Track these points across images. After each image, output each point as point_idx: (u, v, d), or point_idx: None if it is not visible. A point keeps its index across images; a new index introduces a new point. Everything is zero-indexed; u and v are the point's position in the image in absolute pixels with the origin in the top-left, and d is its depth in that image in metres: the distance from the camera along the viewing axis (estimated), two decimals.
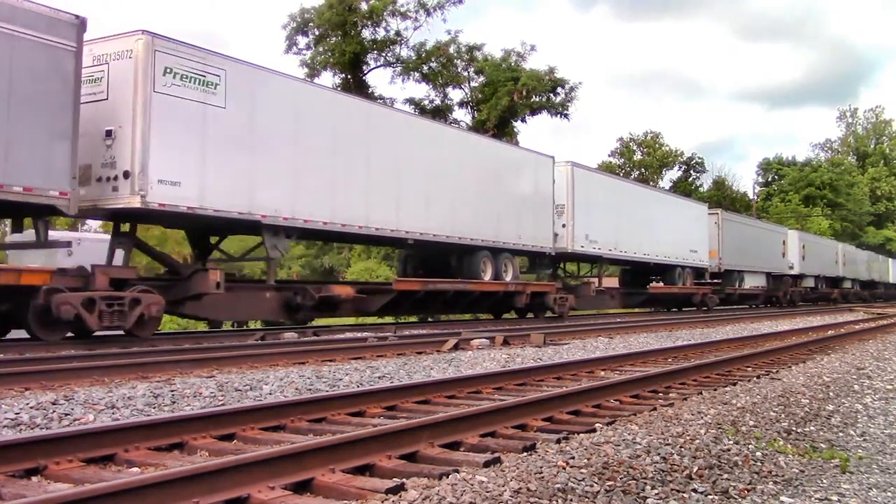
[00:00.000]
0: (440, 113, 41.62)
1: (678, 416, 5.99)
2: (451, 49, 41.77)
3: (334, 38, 40.18)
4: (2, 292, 10.77)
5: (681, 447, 4.94)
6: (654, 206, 28.46)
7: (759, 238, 36.91)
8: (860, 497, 4.36)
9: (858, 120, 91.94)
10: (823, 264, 44.99)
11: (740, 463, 4.86)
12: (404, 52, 41.64)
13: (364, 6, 39.53)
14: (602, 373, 9.18)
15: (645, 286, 28.93)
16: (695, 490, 4.25)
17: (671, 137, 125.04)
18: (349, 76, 41.21)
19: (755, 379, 8.72)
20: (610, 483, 4.11)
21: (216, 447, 4.78)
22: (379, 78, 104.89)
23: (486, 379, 7.81)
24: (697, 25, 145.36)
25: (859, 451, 5.66)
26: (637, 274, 29.67)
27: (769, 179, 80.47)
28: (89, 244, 18.38)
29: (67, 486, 3.77)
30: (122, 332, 11.87)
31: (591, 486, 4.02)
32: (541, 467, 4.20)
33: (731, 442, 5.30)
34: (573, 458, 4.45)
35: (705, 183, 70.09)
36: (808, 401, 7.37)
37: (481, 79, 42.42)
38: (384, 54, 41.90)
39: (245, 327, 19.19)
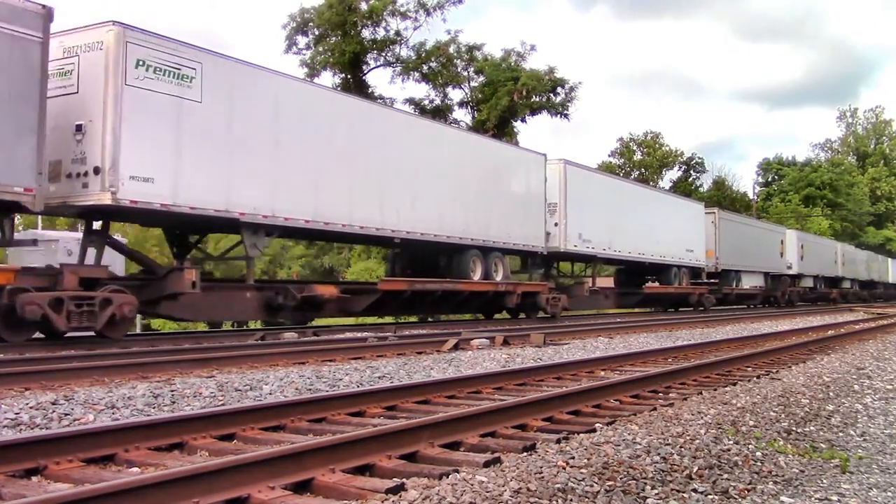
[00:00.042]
0: (440, 113, 41.63)
1: (678, 416, 5.99)
2: (451, 49, 41.79)
3: (334, 38, 40.20)
4: None
5: (681, 447, 4.94)
6: (650, 204, 28.21)
7: (756, 238, 36.83)
8: (860, 497, 4.36)
9: (858, 120, 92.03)
10: (822, 264, 44.97)
11: (740, 463, 4.86)
12: (404, 52, 41.74)
13: (364, 6, 39.56)
14: (602, 373, 9.18)
15: (641, 286, 28.67)
16: (695, 490, 4.26)
17: (671, 137, 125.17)
18: (349, 76, 41.23)
19: (755, 379, 8.73)
20: (610, 483, 4.11)
21: (216, 447, 4.78)
22: (379, 78, 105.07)
23: (486, 379, 7.81)
24: (697, 25, 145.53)
25: (859, 451, 5.66)
26: (632, 274, 29.44)
27: (769, 179, 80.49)
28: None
29: (67, 486, 3.77)
30: (92, 334, 11.49)
31: (591, 486, 4.03)
32: (541, 467, 4.20)
33: (731, 442, 5.30)
34: (573, 458, 4.46)
35: (705, 183, 70.26)
36: (808, 401, 7.37)
37: (481, 79, 42.44)
38: (384, 54, 41.95)
39: (245, 327, 19.19)
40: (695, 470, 4.56)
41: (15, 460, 4.04)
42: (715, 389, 7.74)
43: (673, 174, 68.79)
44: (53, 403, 6.10)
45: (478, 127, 38.38)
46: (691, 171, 69.24)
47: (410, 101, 42.53)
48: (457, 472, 4.08)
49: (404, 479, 3.95)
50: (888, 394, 8.40)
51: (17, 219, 30.32)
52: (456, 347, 12.20)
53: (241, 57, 15.30)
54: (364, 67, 41.98)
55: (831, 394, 8.03)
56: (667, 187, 61.77)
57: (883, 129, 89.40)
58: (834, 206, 73.27)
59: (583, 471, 4.22)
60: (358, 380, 8.21)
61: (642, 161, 67.11)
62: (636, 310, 30.39)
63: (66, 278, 11.05)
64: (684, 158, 68.75)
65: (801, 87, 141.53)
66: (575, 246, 22.89)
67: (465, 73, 42.98)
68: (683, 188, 62.97)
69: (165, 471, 3.72)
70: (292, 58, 44.52)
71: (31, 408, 5.91)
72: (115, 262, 14.07)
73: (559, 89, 41.62)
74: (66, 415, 5.80)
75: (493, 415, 5.54)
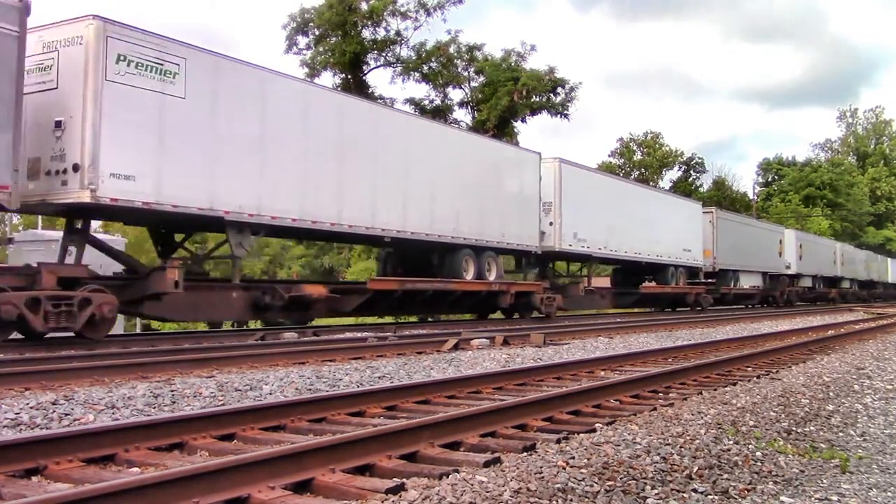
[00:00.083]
0: (440, 113, 41.63)
1: (678, 416, 5.99)
2: (451, 49, 41.78)
3: (334, 38, 40.19)
4: None
5: (681, 447, 4.94)
6: (647, 204, 28.04)
7: (755, 237, 36.77)
8: (860, 497, 4.37)
9: (858, 120, 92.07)
10: (821, 264, 44.96)
11: (740, 463, 4.86)
12: (404, 52, 41.71)
13: (364, 6, 39.55)
14: (602, 373, 9.18)
15: (637, 286, 28.57)
16: (695, 490, 4.26)
17: (671, 137, 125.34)
18: (349, 76, 41.23)
19: (755, 379, 8.73)
20: (610, 483, 4.11)
21: (216, 447, 4.78)
22: (379, 78, 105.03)
23: (486, 379, 7.81)
24: (698, 25, 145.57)
25: (859, 451, 5.66)
26: (629, 273, 29.29)
27: (769, 179, 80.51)
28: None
29: (67, 486, 3.77)
30: (72, 334, 11.25)
31: (591, 486, 4.03)
32: (541, 467, 4.20)
33: (731, 442, 5.30)
34: (573, 458, 4.46)
35: (705, 183, 70.27)
36: (808, 401, 7.37)
37: (481, 79, 42.43)
38: (384, 54, 41.93)
39: (245, 327, 19.18)
40: (695, 470, 4.56)
41: (15, 460, 4.04)
42: (715, 389, 7.75)
43: (673, 174, 68.96)
44: (53, 403, 6.10)
45: (478, 127, 38.37)
46: (691, 172, 69.32)
47: (411, 101, 42.58)
48: (457, 472, 4.08)
49: (404, 479, 3.95)
50: (888, 394, 8.41)
51: (17, 219, 30.29)
52: (456, 347, 12.20)
53: (241, 57, 15.23)
54: (364, 67, 41.99)
55: (831, 394, 8.03)
56: (667, 187, 61.79)
57: (883, 129, 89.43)
58: (834, 207, 73.30)
59: (583, 471, 4.22)
60: (358, 380, 8.21)
61: (642, 161, 67.13)
62: (635, 310, 30.35)
63: (44, 278, 10.80)
64: (684, 158, 68.87)
65: (802, 87, 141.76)
66: (570, 245, 22.69)
67: (466, 74, 43.00)
68: (683, 188, 62.99)
69: (165, 471, 3.72)
70: (293, 58, 44.60)
71: (31, 408, 5.91)
72: (115, 262, 13.99)
73: (559, 89, 41.63)
74: (66, 415, 5.80)
75: (493, 415, 5.54)
